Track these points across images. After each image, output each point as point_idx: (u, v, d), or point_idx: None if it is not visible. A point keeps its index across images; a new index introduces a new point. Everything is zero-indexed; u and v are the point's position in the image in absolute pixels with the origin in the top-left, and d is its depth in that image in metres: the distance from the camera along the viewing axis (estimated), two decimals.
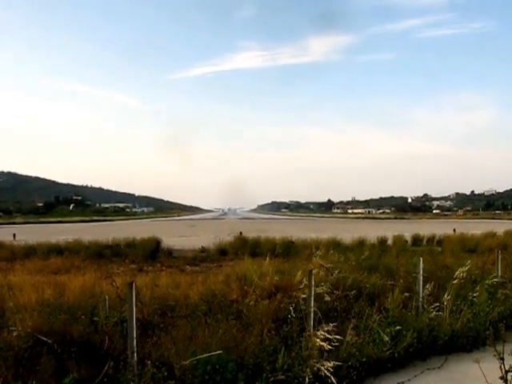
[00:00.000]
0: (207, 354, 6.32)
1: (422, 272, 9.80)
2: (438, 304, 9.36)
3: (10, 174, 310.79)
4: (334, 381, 6.40)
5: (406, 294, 9.62)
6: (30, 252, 23.44)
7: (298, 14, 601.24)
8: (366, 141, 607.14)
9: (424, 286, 9.77)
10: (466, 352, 8.40)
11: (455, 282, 9.90)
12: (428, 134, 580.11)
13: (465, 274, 10.13)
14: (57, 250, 23.56)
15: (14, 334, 7.02)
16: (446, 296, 9.43)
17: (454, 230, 34.91)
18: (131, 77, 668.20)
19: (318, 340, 6.99)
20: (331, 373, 6.45)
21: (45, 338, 6.85)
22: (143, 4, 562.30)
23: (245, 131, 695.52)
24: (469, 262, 10.60)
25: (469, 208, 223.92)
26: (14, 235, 34.77)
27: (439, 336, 8.41)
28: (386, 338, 7.75)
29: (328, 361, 6.60)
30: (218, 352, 6.38)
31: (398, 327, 8.18)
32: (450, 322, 8.84)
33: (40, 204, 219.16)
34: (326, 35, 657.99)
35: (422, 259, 9.95)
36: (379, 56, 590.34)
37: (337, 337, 7.19)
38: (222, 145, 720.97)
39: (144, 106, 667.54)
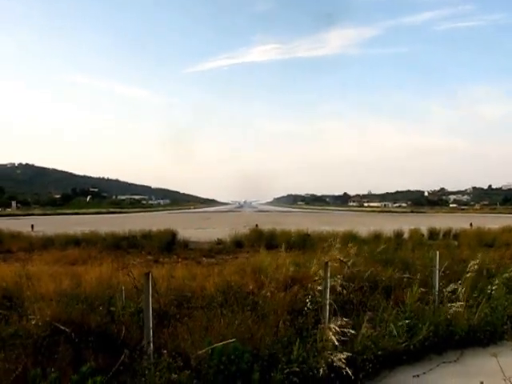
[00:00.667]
0: (221, 343, 6.35)
1: (438, 266, 9.74)
2: (454, 298, 9.30)
3: (27, 165, 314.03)
4: (348, 372, 6.41)
5: (422, 288, 9.58)
6: (47, 243, 23.65)
7: (313, 7, 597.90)
8: (383, 134, 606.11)
9: (440, 279, 9.71)
10: (483, 346, 8.34)
11: (468, 275, 9.82)
12: (445, 128, 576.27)
13: (477, 267, 10.05)
14: (74, 241, 23.74)
15: (33, 322, 7.12)
16: (462, 290, 9.37)
17: (471, 224, 34.59)
18: (146, 71, 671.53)
19: (333, 332, 6.99)
20: (346, 365, 6.45)
21: (63, 327, 6.94)
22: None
23: (261, 124, 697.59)
24: (479, 255, 10.45)
25: (486, 202, 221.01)
26: (32, 226, 35.19)
27: (456, 330, 8.36)
28: (402, 330, 7.73)
29: (341, 353, 6.61)
30: (232, 340, 6.41)
31: (413, 320, 8.16)
32: (467, 316, 8.77)
33: (57, 196, 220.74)
34: (340, 29, 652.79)
35: (438, 253, 9.88)
36: (394, 49, 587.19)
37: (351, 331, 7.20)
38: (238, 138, 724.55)
39: (159, 100, 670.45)
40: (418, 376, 6.98)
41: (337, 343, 6.84)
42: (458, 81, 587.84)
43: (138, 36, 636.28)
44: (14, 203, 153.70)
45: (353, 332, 7.20)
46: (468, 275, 9.81)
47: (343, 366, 6.43)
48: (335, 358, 6.52)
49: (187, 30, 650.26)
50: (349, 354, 6.64)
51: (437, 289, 9.51)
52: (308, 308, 8.00)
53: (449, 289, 9.50)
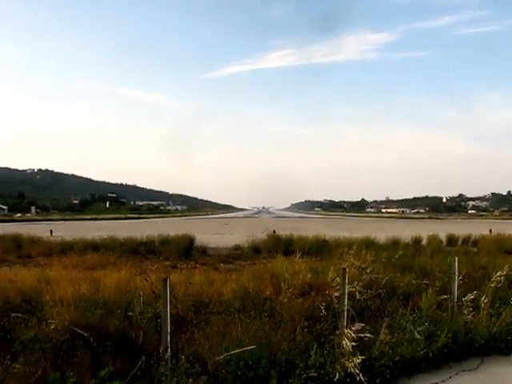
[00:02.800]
0: (240, 349, 6.35)
1: (457, 272, 9.63)
2: (473, 305, 9.17)
3: (47, 171, 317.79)
4: (361, 378, 6.36)
5: (441, 296, 9.47)
6: (66, 248, 23.91)
7: (329, 12, 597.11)
8: (401, 140, 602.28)
9: (459, 286, 9.59)
10: (503, 355, 8.21)
11: (492, 285, 9.62)
12: (463, 134, 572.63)
13: (503, 279, 9.85)
14: (93, 247, 23.98)
15: (52, 326, 7.18)
16: (483, 299, 9.22)
17: (490, 231, 34.22)
18: (165, 78, 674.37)
19: (350, 338, 6.95)
20: (363, 371, 6.42)
21: (81, 332, 6.98)
22: (173, 4, 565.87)
23: (278, 130, 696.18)
24: (506, 266, 10.24)
25: (505, 208, 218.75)
26: (51, 231, 35.50)
27: (475, 338, 8.24)
28: (419, 337, 7.64)
29: (356, 357, 6.56)
30: (251, 347, 6.40)
31: (431, 327, 8.08)
32: (487, 324, 8.65)
33: (76, 201, 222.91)
34: (356, 34, 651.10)
35: (456, 259, 9.77)
36: (412, 54, 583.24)
37: (369, 335, 7.15)
38: (255, 144, 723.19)
39: (176, 106, 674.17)
40: None
41: (353, 349, 6.81)
42: (477, 86, 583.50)
43: (158, 45, 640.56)
44: (33, 208, 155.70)
45: (371, 336, 7.17)
46: (492, 285, 9.59)
47: (357, 372, 6.40)
48: (350, 364, 6.48)
49: (210, 36, 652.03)
50: (363, 357, 6.60)
51: (455, 295, 9.40)
52: (326, 314, 7.98)
53: (468, 298, 9.33)
